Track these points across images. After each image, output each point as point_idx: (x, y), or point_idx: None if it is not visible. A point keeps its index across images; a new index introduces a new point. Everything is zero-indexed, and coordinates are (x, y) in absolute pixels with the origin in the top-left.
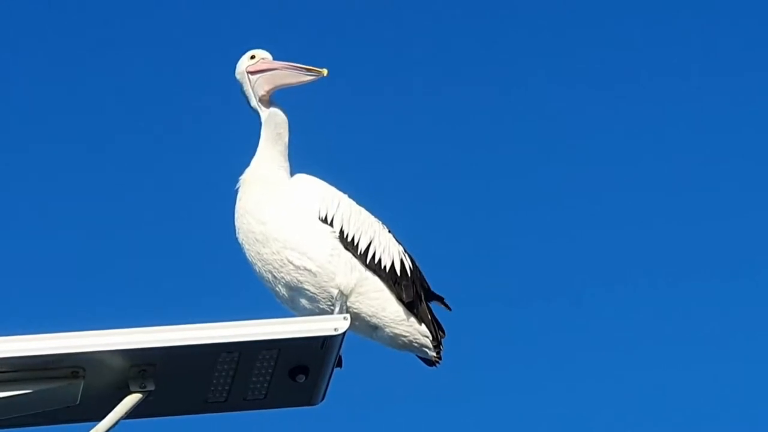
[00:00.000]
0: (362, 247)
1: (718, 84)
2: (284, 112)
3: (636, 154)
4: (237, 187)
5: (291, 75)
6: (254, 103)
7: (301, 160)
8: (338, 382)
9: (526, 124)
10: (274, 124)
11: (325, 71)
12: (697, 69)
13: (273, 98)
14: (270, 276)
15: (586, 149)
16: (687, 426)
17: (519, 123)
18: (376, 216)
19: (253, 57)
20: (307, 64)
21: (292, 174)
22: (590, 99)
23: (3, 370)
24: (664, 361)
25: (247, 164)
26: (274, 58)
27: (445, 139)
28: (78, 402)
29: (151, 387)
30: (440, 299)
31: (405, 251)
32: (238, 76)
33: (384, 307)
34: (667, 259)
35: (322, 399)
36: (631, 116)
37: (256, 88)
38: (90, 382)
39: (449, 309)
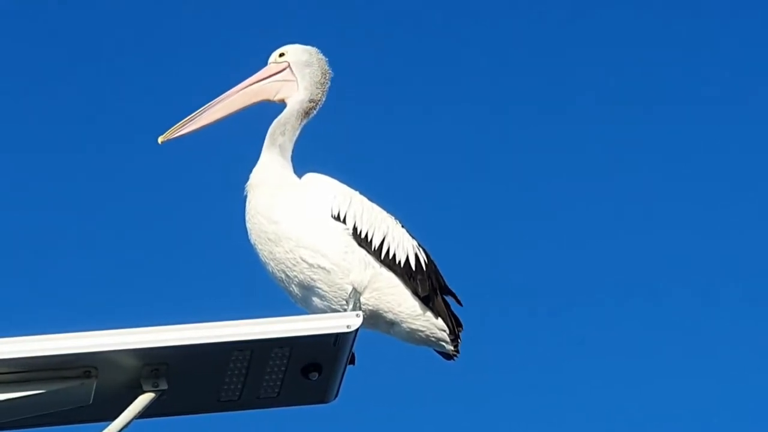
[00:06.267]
0: (376, 243)
1: (717, 88)
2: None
3: (642, 159)
4: (245, 194)
5: None
6: None
7: (315, 157)
8: (351, 379)
9: (538, 122)
10: (272, 128)
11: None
12: (691, 74)
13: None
14: (283, 275)
15: (594, 148)
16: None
17: (531, 122)
18: (388, 212)
19: None
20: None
21: (297, 171)
22: (598, 106)
23: (15, 370)
24: (682, 362)
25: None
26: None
27: (457, 137)
28: (91, 402)
29: (163, 386)
30: (452, 294)
31: (419, 245)
32: None
33: (400, 302)
34: (679, 264)
35: (336, 396)
36: (641, 123)
37: None
38: (102, 382)
39: (460, 304)
